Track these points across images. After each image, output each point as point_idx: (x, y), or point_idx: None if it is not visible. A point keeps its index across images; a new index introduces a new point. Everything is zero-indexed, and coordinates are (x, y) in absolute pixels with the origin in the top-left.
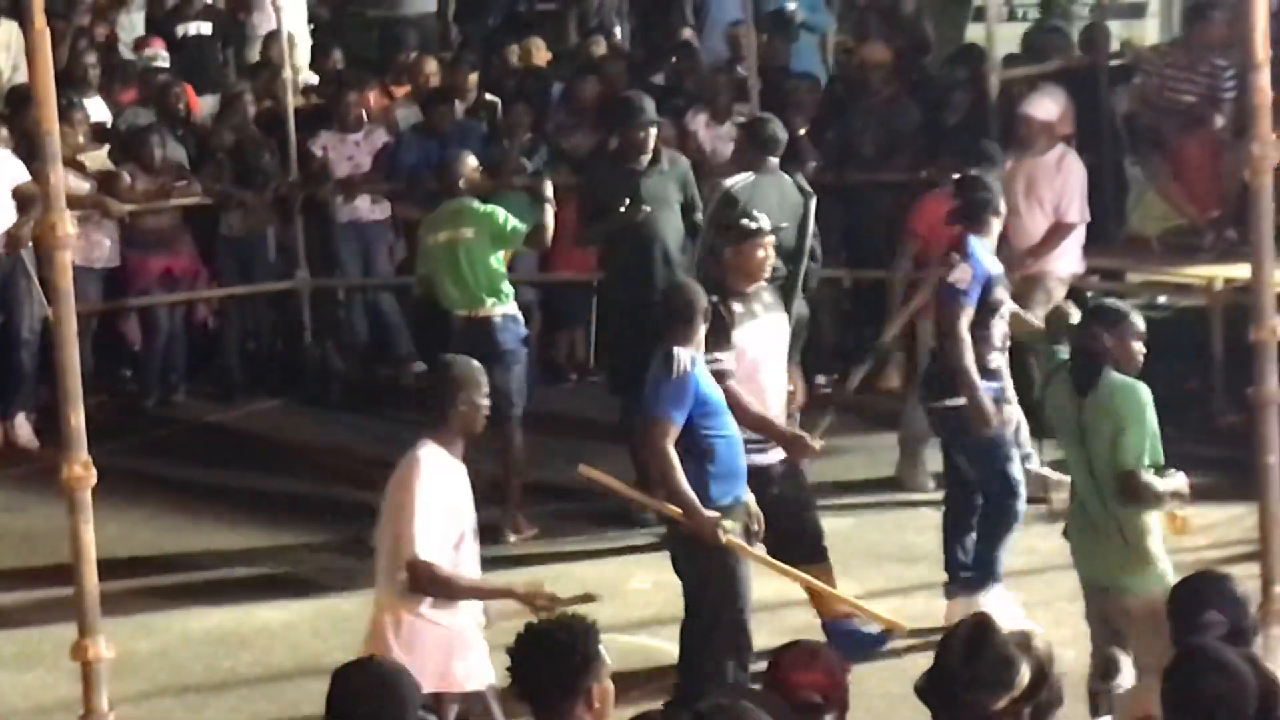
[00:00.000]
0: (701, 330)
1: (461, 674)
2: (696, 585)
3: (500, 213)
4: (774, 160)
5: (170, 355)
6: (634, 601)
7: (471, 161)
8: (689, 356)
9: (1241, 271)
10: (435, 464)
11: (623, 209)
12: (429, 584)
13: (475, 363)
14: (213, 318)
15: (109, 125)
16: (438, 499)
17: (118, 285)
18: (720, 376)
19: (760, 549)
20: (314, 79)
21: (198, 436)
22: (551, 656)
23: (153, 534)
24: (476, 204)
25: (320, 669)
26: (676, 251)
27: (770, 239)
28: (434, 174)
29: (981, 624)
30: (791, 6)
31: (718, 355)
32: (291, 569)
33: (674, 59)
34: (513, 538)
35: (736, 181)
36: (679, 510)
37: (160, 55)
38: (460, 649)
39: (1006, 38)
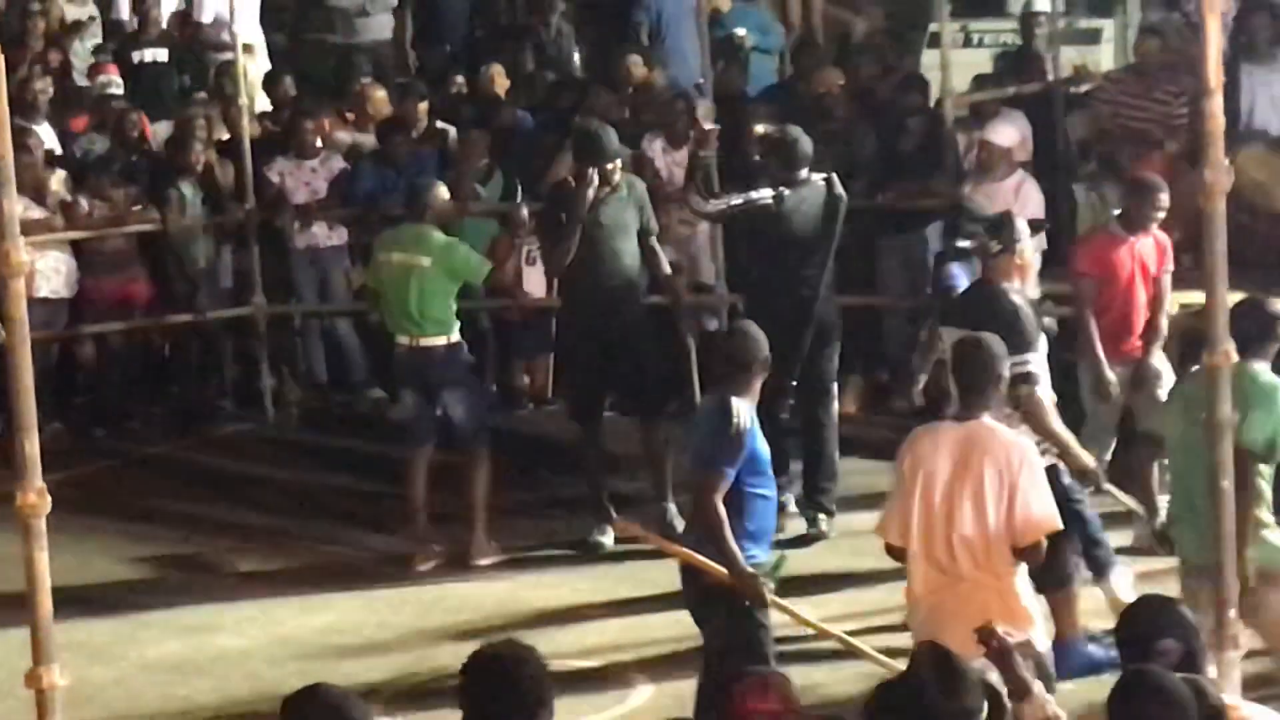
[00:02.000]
0: (758, 381)
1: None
2: (719, 643)
3: (461, 249)
4: (793, 171)
5: (127, 382)
6: (589, 629)
7: (443, 191)
8: (747, 410)
9: (1195, 296)
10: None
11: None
12: (1041, 552)
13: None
14: (168, 345)
15: (60, 152)
16: None
17: (73, 311)
18: (1026, 380)
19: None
20: (268, 105)
21: (153, 464)
22: (509, 684)
23: (108, 561)
24: (439, 234)
25: (276, 697)
26: (635, 277)
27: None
28: (403, 199)
29: (947, 654)
30: (741, 32)
31: (1026, 357)
32: (247, 596)
33: (630, 89)
34: (481, 561)
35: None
36: (720, 567)
37: (114, 81)
38: None
39: (962, 64)
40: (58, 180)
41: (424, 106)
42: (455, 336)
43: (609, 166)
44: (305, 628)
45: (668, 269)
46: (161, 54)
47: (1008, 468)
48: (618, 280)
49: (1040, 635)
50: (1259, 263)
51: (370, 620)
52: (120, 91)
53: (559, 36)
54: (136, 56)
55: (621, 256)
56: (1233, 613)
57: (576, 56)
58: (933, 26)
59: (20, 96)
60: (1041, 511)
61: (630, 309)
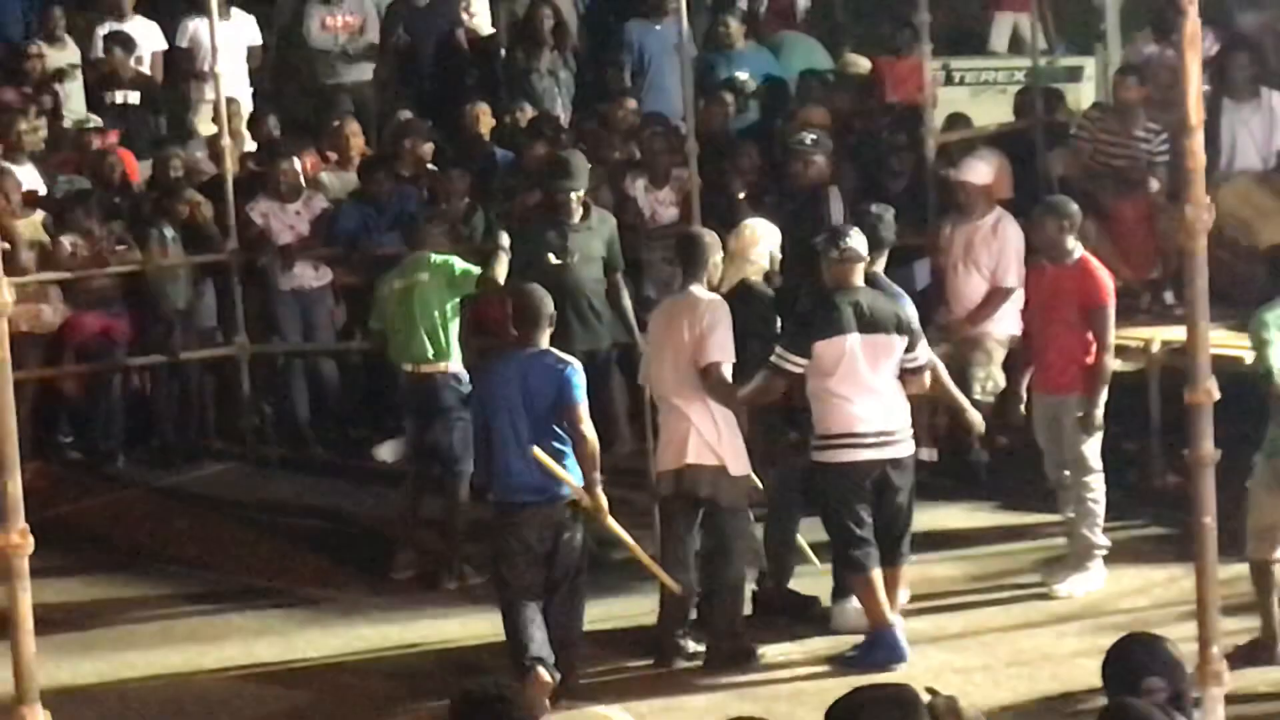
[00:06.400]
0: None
1: None
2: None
3: (454, 260)
4: None
5: (108, 420)
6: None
7: (434, 228)
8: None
9: (1178, 333)
10: None
11: (553, 258)
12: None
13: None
14: (149, 384)
15: (42, 193)
16: None
17: (56, 346)
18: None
19: None
20: (252, 145)
21: (138, 502)
22: None
23: (92, 600)
24: (434, 255)
25: None
26: (599, 303)
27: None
28: (402, 237)
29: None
30: (743, 76)
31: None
32: (231, 636)
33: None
34: (451, 586)
35: None
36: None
37: (92, 120)
38: None
39: (943, 101)
40: (30, 224)
41: (429, 148)
42: (456, 366)
43: (562, 198)
44: (290, 664)
45: (629, 305)
46: (134, 96)
47: (697, 320)
48: (584, 305)
49: None
50: (1238, 299)
51: (355, 657)
52: (100, 123)
53: (548, 76)
54: (109, 98)
55: (586, 283)
56: (1216, 649)
57: (560, 100)
58: None
59: (4, 138)
60: (716, 345)
61: (593, 336)
